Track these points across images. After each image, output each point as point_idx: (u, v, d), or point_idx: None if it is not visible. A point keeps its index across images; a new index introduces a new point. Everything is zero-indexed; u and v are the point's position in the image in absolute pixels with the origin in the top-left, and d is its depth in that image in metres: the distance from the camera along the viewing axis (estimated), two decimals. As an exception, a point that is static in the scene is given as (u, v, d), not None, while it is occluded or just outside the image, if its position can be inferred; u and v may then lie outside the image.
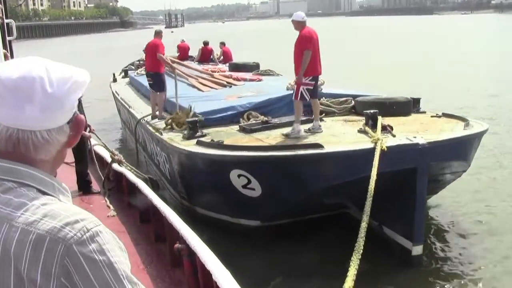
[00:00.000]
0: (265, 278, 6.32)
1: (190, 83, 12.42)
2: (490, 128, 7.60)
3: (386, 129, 6.79)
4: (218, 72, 14.32)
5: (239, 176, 6.57)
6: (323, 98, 9.24)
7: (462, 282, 6.12)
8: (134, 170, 7.34)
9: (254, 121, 8.39)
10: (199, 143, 7.27)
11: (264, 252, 6.76)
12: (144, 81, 11.60)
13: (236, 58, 18.72)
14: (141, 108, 10.94)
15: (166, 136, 8.22)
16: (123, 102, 13.09)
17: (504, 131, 12.83)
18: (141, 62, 16.36)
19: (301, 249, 6.73)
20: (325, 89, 9.79)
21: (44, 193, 1.21)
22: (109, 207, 6.50)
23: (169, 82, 10.95)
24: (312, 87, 7.67)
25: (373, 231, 6.56)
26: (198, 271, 3.96)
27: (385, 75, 23.61)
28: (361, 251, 4.73)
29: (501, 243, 7.07)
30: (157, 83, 10.47)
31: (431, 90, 18.23)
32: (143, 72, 12.85)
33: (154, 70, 10.55)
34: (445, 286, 6.04)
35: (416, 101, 8.95)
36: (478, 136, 7.00)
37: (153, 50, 10.49)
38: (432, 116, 8.33)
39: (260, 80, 12.30)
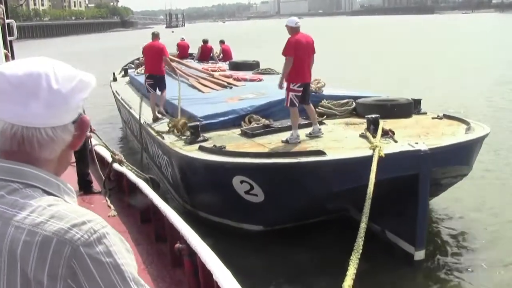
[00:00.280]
0: (266, 278, 6.32)
1: (191, 84, 12.43)
2: (491, 128, 7.59)
3: (388, 134, 6.78)
4: (218, 71, 14.33)
5: (241, 182, 6.58)
6: (324, 100, 9.24)
7: (464, 286, 6.13)
8: (135, 170, 7.35)
9: (255, 125, 8.38)
10: (201, 149, 7.26)
11: (264, 252, 6.77)
12: (143, 80, 11.59)
13: (236, 56, 18.72)
14: (142, 109, 10.94)
15: (168, 140, 8.22)
16: (123, 102, 13.09)
17: (506, 131, 12.82)
18: (141, 60, 16.31)
19: (302, 250, 6.74)
20: (325, 90, 9.77)
21: (50, 194, 1.21)
22: (109, 207, 6.51)
23: (170, 83, 10.99)
24: (300, 94, 7.65)
25: (376, 236, 6.61)
26: (198, 271, 3.96)
27: (386, 75, 23.60)
28: (361, 250, 4.74)
29: (505, 248, 7.05)
30: (159, 85, 10.60)
31: (432, 89, 18.24)
32: (143, 71, 12.85)
33: (157, 72, 10.67)
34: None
35: (417, 102, 8.96)
36: (480, 140, 7.00)
37: (159, 53, 10.64)
38: (433, 118, 8.32)
39: (260, 80, 12.30)
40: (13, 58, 7.10)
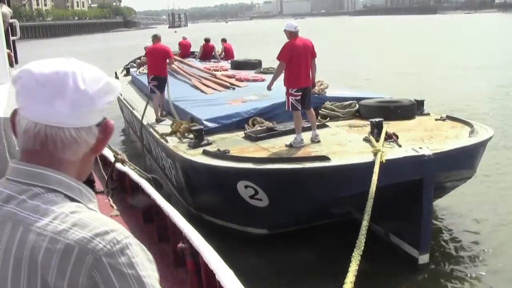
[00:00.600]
0: (268, 277, 6.33)
1: (193, 84, 12.45)
2: (496, 130, 7.57)
3: (391, 137, 6.78)
4: (220, 70, 14.33)
5: (246, 187, 6.58)
6: (327, 102, 9.23)
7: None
8: (138, 170, 7.35)
9: (259, 127, 8.38)
10: (205, 153, 7.25)
11: (267, 253, 6.78)
12: (146, 80, 11.64)
13: (238, 55, 18.72)
14: (146, 113, 10.94)
15: (172, 144, 8.23)
16: (125, 103, 13.10)
17: (509, 131, 12.78)
18: (143, 59, 16.29)
19: (305, 252, 6.73)
20: (328, 92, 9.77)
21: (72, 199, 1.20)
22: (112, 206, 6.51)
23: (171, 83, 11.05)
24: (299, 97, 7.63)
25: (380, 239, 6.63)
26: (201, 271, 3.96)
27: (389, 75, 23.58)
28: (363, 247, 4.74)
29: (510, 252, 7.03)
30: (162, 86, 10.76)
31: (433, 89, 18.21)
32: (145, 71, 12.90)
33: (161, 74, 10.85)
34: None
35: (420, 103, 8.95)
36: (483, 144, 7.00)
37: (164, 56, 10.89)
38: (436, 119, 8.31)
39: (263, 80, 12.30)
40: (15, 58, 7.10)
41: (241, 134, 8.27)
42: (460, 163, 6.62)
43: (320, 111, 8.87)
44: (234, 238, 6.94)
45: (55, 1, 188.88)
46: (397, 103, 8.75)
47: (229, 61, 16.93)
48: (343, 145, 7.26)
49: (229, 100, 10.17)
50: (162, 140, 8.61)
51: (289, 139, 7.60)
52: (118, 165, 7.23)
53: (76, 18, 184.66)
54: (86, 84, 1.18)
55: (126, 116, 14.35)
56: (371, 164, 5.94)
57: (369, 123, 7.31)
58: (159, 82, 10.72)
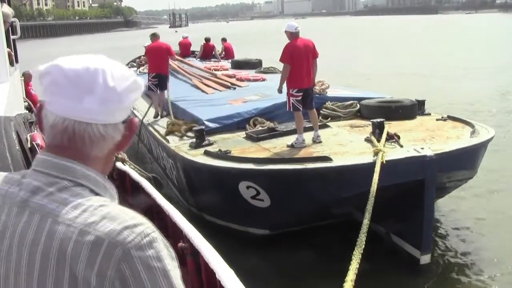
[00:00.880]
0: (269, 277, 6.32)
1: (194, 84, 12.45)
2: (498, 130, 7.56)
3: (393, 138, 6.77)
4: (220, 70, 14.33)
5: (247, 187, 6.58)
6: (328, 102, 9.22)
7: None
8: (138, 169, 7.35)
9: (260, 128, 8.38)
10: (206, 153, 7.25)
11: (267, 253, 6.77)
12: (146, 79, 11.66)
13: (238, 55, 18.71)
14: (144, 109, 10.97)
15: (173, 144, 8.23)
16: None
17: (510, 132, 12.77)
18: (143, 59, 16.27)
19: (306, 252, 6.73)
20: (330, 92, 9.77)
21: (96, 194, 1.21)
22: (112, 206, 6.50)
23: (172, 83, 11.07)
24: (300, 98, 7.63)
25: (381, 238, 6.63)
26: (201, 270, 3.95)
27: (390, 75, 23.57)
28: (363, 245, 4.73)
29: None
30: (164, 84, 10.85)
31: (434, 89, 18.20)
32: (145, 71, 12.92)
33: (162, 71, 10.95)
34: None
35: (421, 103, 8.94)
36: (485, 144, 7.00)
37: (165, 53, 11.03)
38: (437, 120, 8.31)
39: (263, 79, 12.30)
40: (16, 57, 7.10)
41: (242, 134, 8.26)
42: (462, 163, 6.63)
43: (321, 111, 8.87)
44: (235, 238, 6.93)
45: (55, 0, 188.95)
46: (398, 103, 8.75)
47: (230, 60, 16.93)
48: (344, 145, 7.25)
49: (230, 100, 10.17)
50: (163, 140, 8.61)
51: (291, 139, 7.60)
52: (119, 164, 7.23)
53: (77, 18, 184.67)
54: (115, 81, 1.20)
55: None
56: (372, 165, 5.94)
57: (370, 123, 7.31)
58: (160, 80, 10.76)
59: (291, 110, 7.69)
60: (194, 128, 8.16)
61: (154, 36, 11.41)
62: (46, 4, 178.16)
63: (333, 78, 11.66)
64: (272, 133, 8.05)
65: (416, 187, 5.94)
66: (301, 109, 7.63)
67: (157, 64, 10.95)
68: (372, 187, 5.57)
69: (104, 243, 1.09)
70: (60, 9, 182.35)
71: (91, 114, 1.19)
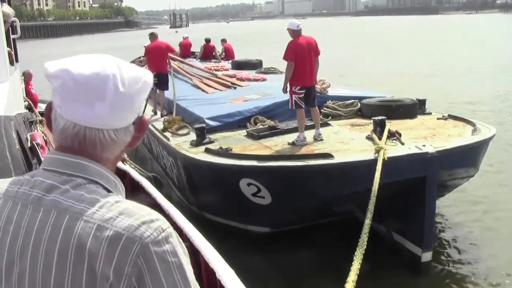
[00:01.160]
0: (269, 277, 6.32)
1: (194, 84, 12.45)
2: (501, 127, 7.56)
3: (394, 135, 6.76)
4: (221, 70, 14.32)
5: (248, 184, 6.56)
6: (329, 101, 9.22)
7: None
8: (138, 168, 7.35)
9: (261, 126, 8.38)
10: (207, 151, 7.25)
11: (268, 252, 6.76)
12: None
13: (239, 55, 18.71)
14: (146, 111, 10.99)
15: (174, 142, 8.23)
16: None
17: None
18: (142, 59, 16.27)
19: (307, 251, 6.72)
20: (330, 91, 9.77)
21: (109, 191, 1.21)
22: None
23: (174, 83, 11.12)
24: (303, 96, 7.63)
25: (382, 237, 6.60)
26: (202, 270, 3.94)
27: (391, 75, 23.56)
28: (365, 245, 4.71)
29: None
30: (164, 83, 10.98)
31: (434, 90, 18.18)
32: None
33: (162, 70, 11.07)
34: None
35: (422, 102, 8.94)
36: (486, 142, 6.99)
37: (166, 51, 11.25)
38: (438, 119, 8.30)
39: (264, 79, 12.30)
40: (16, 56, 7.08)
41: (243, 132, 8.26)
42: (463, 161, 6.61)
43: (322, 110, 8.86)
44: (236, 237, 6.91)
45: (56, 1, 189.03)
46: (399, 102, 8.74)
47: (230, 61, 16.93)
48: (345, 143, 7.24)
49: (230, 99, 10.18)
50: (164, 139, 8.61)
51: (292, 137, 7.59)
52: (119, 164, 7.23)
53: (77, 18, 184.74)
54: (126, 85, 1.18)
55: None
56: (374, 162, 5.92)
57: (371, 122, 7.30)
58: (160, 79, 10.81)
59: (294, 107, 7.69)
60: (195, 126, 8.16)
61: (153, 36, 11.55)
62: (46, 5, 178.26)
63: (333, 78, 11.66)
64: (273, 131, 8.05)
65: (418, 184, 5.92)
66: (303, 106, 7.63)
67: (157, 63, 11.02)
68: (374, 185, 5.55)
69: (123, 238, 1.10)
70: (60, 10, 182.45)
71: (102, 120, 1.18)
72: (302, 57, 7.59)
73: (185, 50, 19.03)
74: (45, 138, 5.06)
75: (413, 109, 8.63)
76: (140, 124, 1.27)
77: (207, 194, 7.59)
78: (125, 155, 7.36)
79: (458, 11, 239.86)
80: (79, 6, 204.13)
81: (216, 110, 9.23)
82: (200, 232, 4.18)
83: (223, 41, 19.53)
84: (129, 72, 1.21)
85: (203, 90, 11.60)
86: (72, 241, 1.11)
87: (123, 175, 7.10)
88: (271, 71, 13.76)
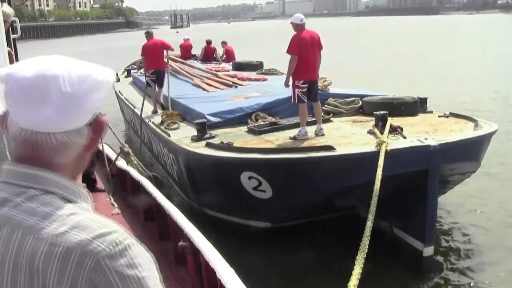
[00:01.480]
0: (269, 276, 6.29)
1: (195, 83, 12.43)
2: (502, 126, 7.56)
3: (396, 130, 6.75)
4: (222, 71, 14.32)
5: (249, 178, 6.54)
6: (330, 98, 9.22)
7: (474, 283, 6.10)
8: (140, 166, 7.35)
9: (262, 122, 8.36)
10: (208, 145, 7.24)
11: (268, 251, 6.74)
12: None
13: (239, 57, 18.69)
14: (145, 108, 11.01)
15: (175, 137, 8.21)
16: (126, 102, 13.11)
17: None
18: (141, 60, 16.27)
19: (307, 249, 6.71)
20: (332, 89, 9.77)
21: (68, 200, 1.16)
22: (113, 205, 6.49)
23: (173, 82, 11.15)
24: (305, 90, 7.62)
25: (383, 234, 6.55)
26: (202, 269, 3.93)
27: (391, 76, 23.56)
28: (366, 250, 4.70)
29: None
30: (161, 80, 11.18)
31: (436, 89, 18.16)
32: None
33: (160, 68, 11.33)
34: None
35: (423, 101, 8.93)
36: (488, 137, 6.98)
37: (162, 48, 11.43)
38: (439, 116, 8.30)
39: (265, 79, 12.29)
40: (16, 56, 7.09)
41: (244, 128, 8.26)
42: (465, 154, 6.58)
43: (323, 107, 8.85)
44: (236, 236, 6.89)
45: (57, 1, 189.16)
46: (401, 100, 8.74)
47: (231, 63, 16.93)
48: (347, 137, 7.24)
49: (231, 97, 10.20)
50: (165, 135, 8.60)
51: (293, 132, 7.60)
52: (119, 164, 7.23)
53: (78, 18, 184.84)
54: (72, 85, 1.13)
55: (127, 117, 14.34)
56: (376, 154, 5.90)
57: (372, 119, 7.31)
58: (157, 76, 11.10)
59: (296, 102, 7.68)
60: (196, 121, 8.15)
61: (149, 34, 11.78)
62: (47, 5, 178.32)
63: (334, 78, 11.62)
64: (275, 127, 8.05)
65: (419, 179, 5.88)
66: (306, 101, 7.64)
67: (154, 61, 11.29)
68: (376, 177, 5.52)
69: (75, 254, 1.05)
70: (61, 10, 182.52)
71: (49, 123, 1.13)
72: (305, 51, 7.60)
73: (186, 52, 19.01)
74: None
75: (414, 107, 8.63)
76: (96, 125, 1.21)
77: (208, 189, 7.58)
78: (130, 150, 7.35)
79: (458, 11, 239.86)
80: (80, 6, 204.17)
81: (217, 106, 9.24)
82: (200, 230, 4.17)
83: (224, 43, 19.51)
84: (77, 71, 1.15)
85: (204, 89, 11.60)
86: (24, 259, 1.07)
87: (123, 175, 7.10)
88: (272, 72, 13.76)
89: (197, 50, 19.69)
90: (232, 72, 14.10)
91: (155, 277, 1.14)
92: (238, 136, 7.86)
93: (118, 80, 17.03)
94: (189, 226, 4.29)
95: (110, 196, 6.78)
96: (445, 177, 6.48)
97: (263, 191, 6.58)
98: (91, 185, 7.36)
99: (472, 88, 19.71)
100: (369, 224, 5.06)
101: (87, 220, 1.11)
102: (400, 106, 8.46)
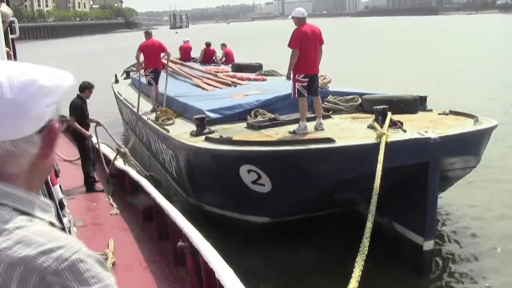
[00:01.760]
0: (268, 276, 6.28)
1: (194, 83, 12.42)
2: (504, 126, 7.56)
3: (396, 124, 6.74)
4: (221, 72, 14.31)
5: (248, 171, 6.52)
6: (330, 96, 9.21)
7: (474, 277, 6.09)
8: (138, 166, 7.35)
9: (261, 118, 8.36)
10: (207, 139, 7.23)
11: (267, 250, 6.72)
12: (145, 81, 11.82)
13: (238, 59, 18.67)
14: (144, 108, 11.01)
15: (174, 133, 8.20)
16: (125, 103, 13.10)
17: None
18: (141, 62, 16.26)
19: (306, 248, 6.70)
20: (331, 87, 9.76)
21: (21, 212, 1.09)
22: (112, 205, 6.49)
23: (173, 81, 11.18)
24: (306, 84, 7.61)
25: (382, 230, 6.51)
26: (201, 269, 3.93)
27: (391, 76, 23.56)
28: (366, 252, 4.68)
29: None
30: (157, 78, 11.51)
31: (436, 89, 18.17)
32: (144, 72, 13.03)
33: (159, 66, 11.72)
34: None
35: (423, 99, 8.92)
36: (489, 131, 6.97)
37: (159, 49, 11.71)
38: (439, 114, 8.29)
39: (264, 79, 12.27)
40: (15, 56, 7.07)
41: (243, 125, 8.25)
42: (466, 148, 6.56)
43: (323, 105, 8.84)
44: (235, 235, 6.87)
45: (56, 2, 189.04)
46: (400, 98, 8.73)
47: (230, 64, 16.92)
48: (347, 131, 7.23)
49: (231, 94, 10.21)
50: (164, 131, 8.59)
51: (293, 128, 7.60)
52: (118, 164, 7.22)
53: (77, 19, 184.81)
54: (13, 91, 1.06)
55: (125, 117, 14.33)
56: (376, 146, 5.87)
57: (372, 115, 7.28)
58: (155, 74, 11.42)
59: (296, 96, 7.67)
60: (195, 117, 8.13)
61: (147, 34, 12.07)
62: (46, 5, 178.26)
63: (334, 78, 11.62)
64: (274, 122, 8.04)
65: (420, 171, 5.85)
66: (306, 95, 7.63)
67: (153, 60, 11.60)
68: (377, 169, 5.49)
69: (19, 270, 0.99)
70: (60, 10, 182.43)
71: None
72: (307, 45, 7.59)
73: (185, 54, 19.00)
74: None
75: (414, 104, 8.61)
76: (48, 132, 1.13)
77: (207, 184, 7.55)
78: (127, 151, 7.35)
79: (458, 11, 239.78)
80: (79, 7, 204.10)
81: (217, 103, 9.24)
82: (199, 228, 4.17)
83: (223, 45, 19.48)
84: (20, 77, 1.08)
85: (203, 89, 11.60)
86: None
87: (122, 175, 7.10)
88: (271, 73, 13.75)
89: (196, 53, 19.69)
90: (232, 73, 14.09)
91: (108, 286, 1.07)
92: (237, 131, 7.85)
93: (117, 81, 17.05)
94: (188, 226, 4.29)
95: (109, 196, 6.78)
96: (445, 172, 6.44)
97: (262, 185, 6.55)
98: (90, 185, 7.37)
99: (472, 88, 19.70)
100: (369, 225, 5.04)
101: (34, 234, 1.05)
102: (400, 104, 8.44)
